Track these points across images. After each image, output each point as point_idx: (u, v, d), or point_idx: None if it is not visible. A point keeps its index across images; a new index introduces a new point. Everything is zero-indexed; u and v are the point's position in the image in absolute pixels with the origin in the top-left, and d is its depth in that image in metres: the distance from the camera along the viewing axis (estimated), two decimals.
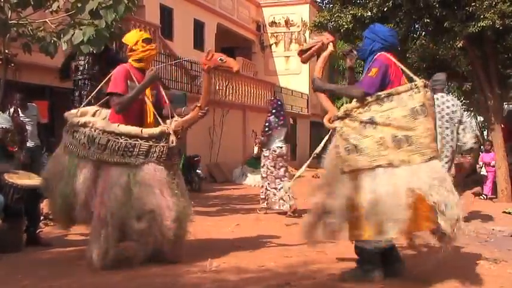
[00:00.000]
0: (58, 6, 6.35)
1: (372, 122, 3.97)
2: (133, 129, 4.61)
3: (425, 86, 4.07)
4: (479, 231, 6.99)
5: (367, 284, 4.00)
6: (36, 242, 5.56)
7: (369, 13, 10.43)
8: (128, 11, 5.58)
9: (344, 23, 10.89)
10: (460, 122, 7.20)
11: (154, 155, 4.61)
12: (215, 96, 15.21)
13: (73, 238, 6.08)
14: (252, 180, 14.85)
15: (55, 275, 4.31)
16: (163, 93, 5.11)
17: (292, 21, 26.02)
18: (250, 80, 20.53)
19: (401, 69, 4.21)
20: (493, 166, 11.36)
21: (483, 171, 11.95)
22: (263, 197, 8.35)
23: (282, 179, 8.23)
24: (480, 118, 22.42)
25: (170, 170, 4.72)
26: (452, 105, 7.16)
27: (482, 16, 9.01)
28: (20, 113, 8.07)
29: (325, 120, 4.22)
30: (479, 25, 9.06)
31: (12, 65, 7.94)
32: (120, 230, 4.49)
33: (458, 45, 9.98)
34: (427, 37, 11.53)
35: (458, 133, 7.18)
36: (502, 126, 11.20)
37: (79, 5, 5.63)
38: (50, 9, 6.77)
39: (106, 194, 4.49)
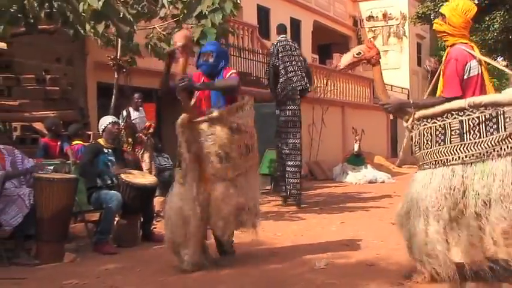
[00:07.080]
0: (165, 13, 6.64)
1: (238, 128, 4.42)
2: None
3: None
4: None
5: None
6: (150, 237, 5.86)
7: (476, 1, 9.91)
8: (232, 14, 5.71)
9: None
10: None
11: None
12: (314, 94, 15.13)
13: None
14: (353, 178, 14.61)
15: (169, 270, 4.49)
16: None
17: (390, 14, 25.27)
18: (348, 76, 20.18)
19: None
20: None
21: None
22: None
23: None
24: None
25: None
26: None
27: None
28: (131, 115, 8.55)
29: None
30: None
31: (124, 70, 8.41)
32: None
33: None
34: None
35: None
36: None
37: (185, 11, 5.85)
38: (158, 16, 7.10)
39: None
